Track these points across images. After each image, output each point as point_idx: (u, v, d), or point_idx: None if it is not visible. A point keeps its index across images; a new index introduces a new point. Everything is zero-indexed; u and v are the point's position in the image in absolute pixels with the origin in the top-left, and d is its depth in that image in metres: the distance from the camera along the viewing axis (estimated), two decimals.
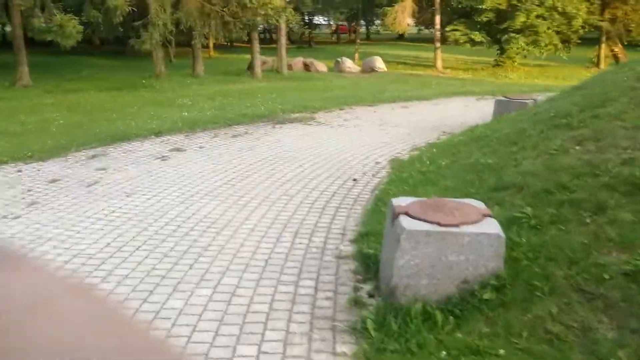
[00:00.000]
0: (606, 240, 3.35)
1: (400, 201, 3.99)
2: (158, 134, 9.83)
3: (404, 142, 9.49)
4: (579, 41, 28.91)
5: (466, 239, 3.48)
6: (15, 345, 0.26)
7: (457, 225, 3.53)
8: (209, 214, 5.70)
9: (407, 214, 3.72)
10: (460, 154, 6.92)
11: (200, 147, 8.94)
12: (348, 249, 4.82)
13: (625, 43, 31.19)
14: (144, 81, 19.45)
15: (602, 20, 28.55)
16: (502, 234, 3.48)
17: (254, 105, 13.35)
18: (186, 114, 12.12)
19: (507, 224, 3.96)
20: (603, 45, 30.39)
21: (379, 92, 16.59)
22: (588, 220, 3.66)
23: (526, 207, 4.12)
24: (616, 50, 30.92)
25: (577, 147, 4.91)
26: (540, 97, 10.90)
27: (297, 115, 12.15)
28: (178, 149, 8.77)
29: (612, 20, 29.32)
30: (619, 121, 4.96)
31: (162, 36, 19.01)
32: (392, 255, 3.58)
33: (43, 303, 0.29)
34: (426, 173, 6.51)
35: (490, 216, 3.71)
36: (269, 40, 41.75)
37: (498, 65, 29.09)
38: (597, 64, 30.44)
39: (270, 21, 21.88)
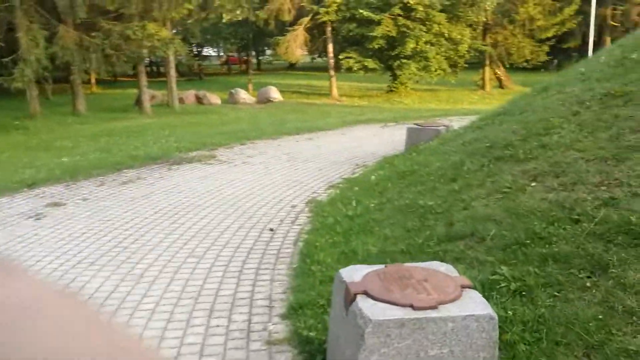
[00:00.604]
0: (627, 314, 2.62)
1: (351, 273, 3.09)
2: (31, 185, 8.34)
3: (317, 178, 8.66)
4: (466, 65, 29.87)
5: (449, 325, 2.63)
6: (5, 353, 0.26)
7: (435, 307, 2.67)
8: (97, 292, 4.50)
9: (365, 293, 2.82)
10: (388, 192, 6.16)
11: (84, 199, 7.59)
12: (280, 328, 3.84)
13: (507, 66, 32.64)
14: (16, 122, 17.43)
15: (485, 45, 29.69)
16: (494, 314, 2.65)
17: (145, 145, 12.05)
18: (66, 159, 10.59)
19: (481, 289, 3.18)
20: (487, 69, 31.63)
21: (279, 124, 15.78)
22: (588, 284, 2.93)
23: (500, 266, 3.36)
24: (499, 73, 32.31)
25: (534, 184, 4.27)
26: (449, 122, 10.51)
27: (195, 153, 11.00)
28: (56, 204, 7.37)
29: (494, 45, 30.60)
30: (574, 152, 4.37)
31: (36, 72, 17.14)
32: (354, 356, 2.65)
33: (32, 311, 0.29)
34: (354, 218, 5.67)
35: (470, 287, 2.89)
36: (156, 73, 40.00)
37: (392, 90, 29.36)
38: (483, 87, 31.64)
39: (157, 53, 20.55)
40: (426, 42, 26.87)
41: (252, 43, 40.32)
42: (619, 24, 34.10)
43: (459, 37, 27.38)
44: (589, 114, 4.95)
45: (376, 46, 26.66)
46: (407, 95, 28.81)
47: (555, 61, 35.89)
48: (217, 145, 11.88)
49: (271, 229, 6.07)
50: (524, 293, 3.10)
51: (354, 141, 12.53)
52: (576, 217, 3.50)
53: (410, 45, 26.33)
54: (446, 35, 27.11)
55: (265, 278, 4.75)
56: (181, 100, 23.56)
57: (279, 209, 6.91)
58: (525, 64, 31.58)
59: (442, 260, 3.91)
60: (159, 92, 23.81)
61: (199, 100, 25.02)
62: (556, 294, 2.97)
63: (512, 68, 33.26)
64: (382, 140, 12.40)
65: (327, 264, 4.66)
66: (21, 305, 0.29)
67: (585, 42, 30.48)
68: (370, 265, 3.21)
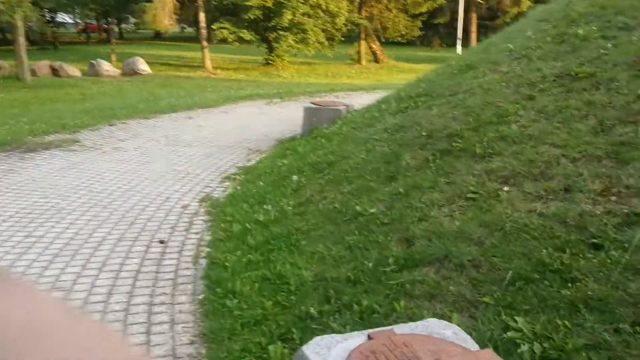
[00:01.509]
0: None
1: (319, 350, 2.03)
2: None
3: (206, 167, 7.40)
4: (342, 39, 29.38)
5: None
6: None
7: None
8: None
9: None
10: (305, 190, 5.11)
11: None
12: None
13: (383, 40, 32.64)
14: None
15: (361, 18, 29.34)
16: None
17: None
18: None
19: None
20: (363, 43, 31.37)
21: (152, 100, 14.07)
22: None
23: (511, 315, 2.46)
24: (374, 47, 32.22)
25: (508, 189, 3.43)
26: (349, 102, 9.64)
27: (52, 137, 9.19)
28: None
29: (370, 19, 30.37)
30: (550, 147, 3.59)
31: None
32: None
33: (35, 328, 0.29)
34: (269, 225, 4.57)
35: None
36: (2, 40, 35.46)
37: (268, 63, 28.18)
38: (359, 61, 31.38)
39: (2, 18, 17.71)
40: (303, 14, 25.95)
41: (113, 10, 36.97)
42: (484, 1, 35.28)
43: (336, 9, 26.77)
44: (548, 98, 4.20)
45: (252, 17, 25.26)
46: (284, 68, 27.79)
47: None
48: (80, 126, 10.09)
49: (161, 241, 4.80)
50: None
51: (239, 120, 11.29)
52: (594, 240, 2.67)
53: (287, 16, 25.25)
54: (323, 7, 26.36)
55: (162, 320, 3.53)
56: (33, 72, 20.72)
57: (167, 210, 5.62)
58: (399, 38, 31.75)
59: (411, 297, 2.96)
60: (5, 62, 20.76)
61: (55, 72, 22.21)
62: None
63: (386, 42, 33.33)
64: (272, 119, 11.27)
65: (247, 295, 3.54)
66: (23, 323, 0.29)
67: (454, 19, 31.17)
68: (345, 336, 2.16)
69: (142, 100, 13.84)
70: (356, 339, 2.12)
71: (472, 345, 2.10)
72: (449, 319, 2.65)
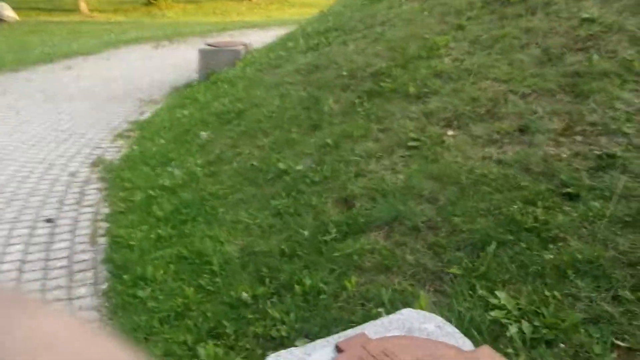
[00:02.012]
0: None
1: None
2: None
3: (94, 125, 6.52)
4: None
5: None
6: None
7: None
8: None
9: None
10: (213, 146, 4.49)
11: None
12: None
13: None
14: None
15: None
16: None
17: None
18: None
19: (476, 340, 1.88)
20: None
21: (22, 50, 12.47)
22: None
23: (491, 289, 2.08)
24: None
25: (453, 133, 3.03)
26: (247, 41, 8.91)
27: None
28: None
29: None
30: (493, 82, 3.21)
31: None
32: None
33: (51, 349, 0.29)
34: (178, 190, 3.95)
35: None
36: None
37: (151, 3, 26.21)
38: None
39: None
40: None
41: None
42: None
43: None
44: (480, 27, 3.81)
45: None
46: (168, 7, 25.96)
47: None
48: None
49: (49, 220, 4.05)
50: (550, 341, 1.87)
51: (126, 67, 10.22)
52: (567, 189, 2.33)
53: None
54: None
55: None
56: None
57: (52, 180, 4.81)
58: None
59: (362, 270, 2.53)
60: None
61: None
62: (616, 340, 1.79)
63: None
64: (162, 64, 10.31)
65: (161, 282, 2.97)
66: (39, 344, 0.29)
67: None
68: (306, 349, 1.67)
69: (11, 51, 12.23)
70: (321, 352, 1.65)
71: (462, 340, 1.70)
72: (413, 298, 2.25)
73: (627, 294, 1.90)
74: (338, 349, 1.65)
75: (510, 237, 2.25)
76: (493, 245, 2.24)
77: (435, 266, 2.35)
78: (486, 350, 1.63)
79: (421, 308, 2.10)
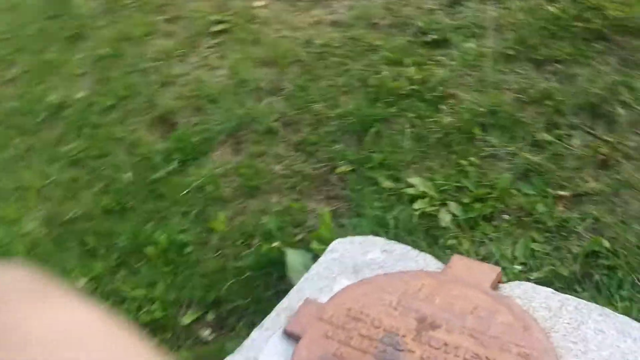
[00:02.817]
0: None
1: None
2: None
3: None
4: None
5: None
6: None
7: None
8: None
9: None
10: None
11: None
12: None
13: None
14: None
15: None
16: None
17: None
18: None
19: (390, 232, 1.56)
20: None
21: None
22: None
23: (405, 179, 1.73)
24: None
25: (261, 2, 2.49)
26: None
27: None
28: None
29: None
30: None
31: None
32: None
33: (73, 340, 0.28)
34: None
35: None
36: None
37: None
38: None
39: None
40: None
41: None
42: None
43: None
44: None
45: None
46: None
47: None
48: None
49: None
50: (488, 215, 1.61)
51: None
52: (432, 37, 2.00)
53: None
54: None
55: None
56: None
57: None
58: None
59: (224, 201, 2.00)
60: None
61: None
62: (556, 191, 1.58)
63: None
64: None
65: None
66: (57, 336, 0.28)
67: None
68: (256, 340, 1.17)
69: None
70: (270, 347, 1.16)
71: (422, 258, 1.33)
72: (310, 215, 1.82)
73: (544, 135, 1.69)
74: (290, 334, 1.18)
75: (392, 110, 1.88)
76: (375, 127, 1.86)
77: (314, 170, 1.91)
78: (459, 262, 1.30)
79: (326, 227, 1.69)
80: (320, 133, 1.97)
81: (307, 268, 1.58)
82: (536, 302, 1.21)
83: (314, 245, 1.69)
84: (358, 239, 1.42)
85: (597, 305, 1.21)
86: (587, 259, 1.48)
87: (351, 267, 1.33)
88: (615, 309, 1.43)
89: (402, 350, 1.13)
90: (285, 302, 1.26)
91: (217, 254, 1.87)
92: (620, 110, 1.66)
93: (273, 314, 1.24)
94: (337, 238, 1.66)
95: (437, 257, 1.33)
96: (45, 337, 0.27)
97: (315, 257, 1.70)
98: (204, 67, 2.39)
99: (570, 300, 1.23)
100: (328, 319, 1.17)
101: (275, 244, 1.76)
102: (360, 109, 1.92)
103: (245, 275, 1.74)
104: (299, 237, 1.79)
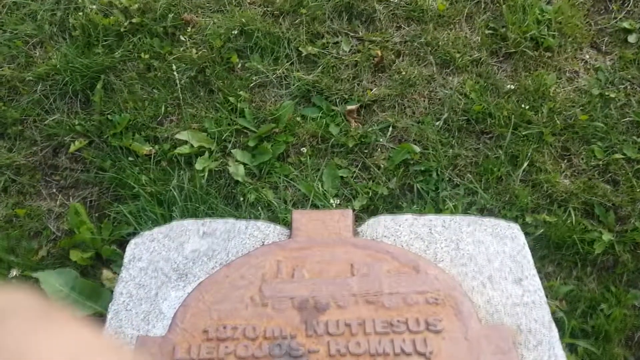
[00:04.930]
0: None
1: None
2: None
3: None
4: None
5: None
6: None
7: None
8: None
9: None
10: None
11: None
12: None
13: None
14: None
15: None
16: None
17: None
18: None
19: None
20: None
21: None
22: None
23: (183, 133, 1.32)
24: None
25: None
26: None
27: None
28: None
29: None
30: None
31: None
32: None
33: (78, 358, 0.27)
34: None
35: None
36: None
37: None
38: None
39: None
40: None
41: None
42: None
43: None
44: None
45: None
46: None
47: None
48: None
49: None
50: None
51: None
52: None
53: None
54: None
55: None
56: None
57: None
58: None
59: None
60: None
61: None
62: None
63: None
64: None
65: None
66: (64, 355, 0.27)
67: None
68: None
69: None
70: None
71: (256, 227, 1.00)
72: (57, 217, 1.28)
73: (310, 48, 1.45)
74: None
75: (116, 56, 1.41)
76: (101, 81, 1.39)
77: (30, 157, 1.35)
78: (302, 218, 1.05)
79: (84, 226, 1.21)
80: (21, 106, 1.40)
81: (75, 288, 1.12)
82: (405, 236, 1.01)
83: (74, 256, 1.20)
84: (159, 230, 1.01)
85: (457, 217, 1.07)
86: (399, 171, 1.34)
87: (172, 272, 0.95)
88: (445, 212, 1.34)
89: (301, 356, 0.82)
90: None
91: None
92: (377, 6, 1.51)
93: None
94: (109, 237, 1.21)
95: (257, 219, 1.02)
96: None
97: (83, 271, 1.21)
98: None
99: (433, 220, 1.06)
100: (184, 355, 0.79)
101: (13, 273, 1.20)
102: (69, 62, 1.41)
103: None
104: (42, 253, 1.26)
